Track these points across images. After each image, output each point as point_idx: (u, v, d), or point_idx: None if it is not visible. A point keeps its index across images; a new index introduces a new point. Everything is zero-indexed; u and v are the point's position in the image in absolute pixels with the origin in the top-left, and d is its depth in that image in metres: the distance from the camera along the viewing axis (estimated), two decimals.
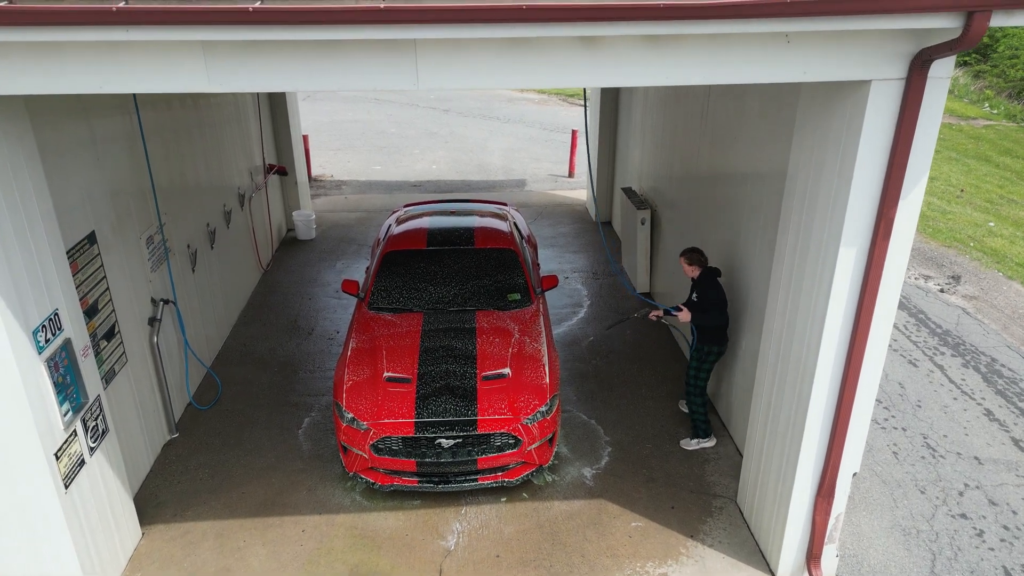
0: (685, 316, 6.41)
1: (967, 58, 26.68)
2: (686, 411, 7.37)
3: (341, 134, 19.85)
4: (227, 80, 3.66)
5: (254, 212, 10.32)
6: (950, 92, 25.80)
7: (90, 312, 5.36)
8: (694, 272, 6.55)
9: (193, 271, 7.65)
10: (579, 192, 14.86)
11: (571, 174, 16.05)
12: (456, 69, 3.71)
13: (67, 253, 4.95)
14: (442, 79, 3.73)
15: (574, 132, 16.29)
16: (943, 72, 3.95)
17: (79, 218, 5.30)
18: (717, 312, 6.36)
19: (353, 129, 20.47)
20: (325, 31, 3.42)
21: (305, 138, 13.93)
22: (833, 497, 5.08)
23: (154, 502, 6.09)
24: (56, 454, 4.58)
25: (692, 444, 6.91)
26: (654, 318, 6.96)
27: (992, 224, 13.25)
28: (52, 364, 4.54)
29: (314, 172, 15.99)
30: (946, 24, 3.55)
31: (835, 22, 3.54)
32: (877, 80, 3.96)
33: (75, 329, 4.83)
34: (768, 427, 5.44)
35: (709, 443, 6.91)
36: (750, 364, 6.41)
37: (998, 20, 3.50)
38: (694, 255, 6.51)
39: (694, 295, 6.57)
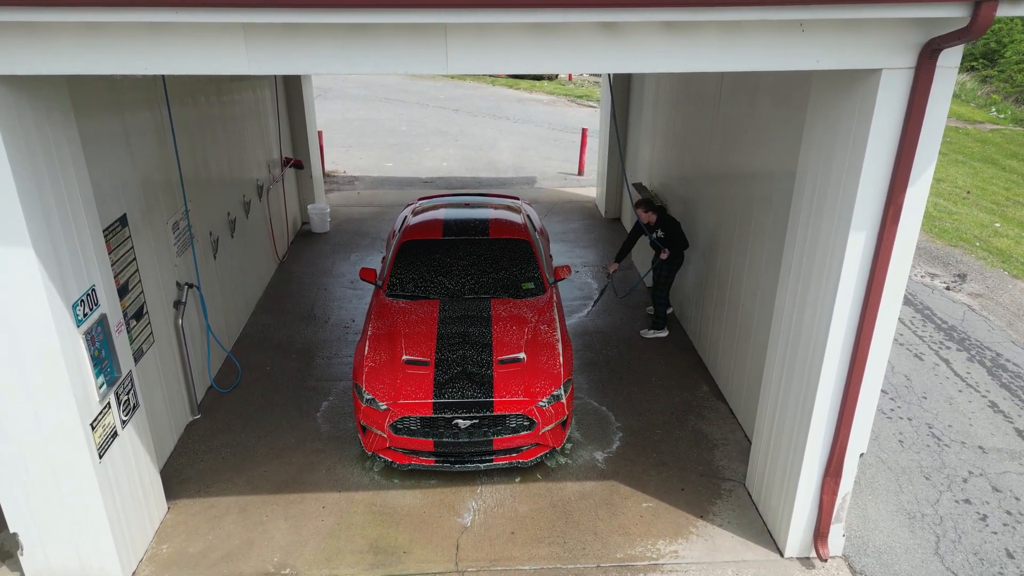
0: (666, 254, 8.27)
1: (974, 63, 26.82)
2: (653, 336, 9.03)
3: (353, 132, 20.06)
4: (266, 63, 3.83)
5: (271, 204, 10.52)
6: (957, 97, 25.91)
7: (121, 292, 5.54)
8: (651, 218, 8.38)
9: (215, 258, 7.84)
10: (589, 189, 15.03)
11: (581, 172, 16.22)
12: (484, 53, 3.89)
13: (102, 232, 5.13)
14: (471, 63, 3.90)
15: (584, 131, 16.47)
16: (951, 62, 4.10)
17: (112, 201, 5.50)
18: (683, 238, 8.27)
19: (364, 127, 20.68)
20: (360, 15, 3.59)
21: (320, 134, 14.13)
22: (841, 477, 5.23)
23: (178, 478, 6.27)
24: (92, 424, 4.76)
25: (650, 334, 8.92)
26: (612, 270, 8.96)
27: (998, 225, 13.37)
28: (89, 337, 4.72)
29: (327, 168, 16.19)
30: (954, 13, 3.71)
31: (848, 10, 3.70)
32: (887, 69, 4.12)
33: (110, 305, 5.02)
34: (778, 409, 5.59)
35: (663, 333, 8.93)
36: (759, 354, 6.57)
37: (1004, 10, 3.66)
38: (649, 204, 8.44)
39: (658, 233, 8.34)
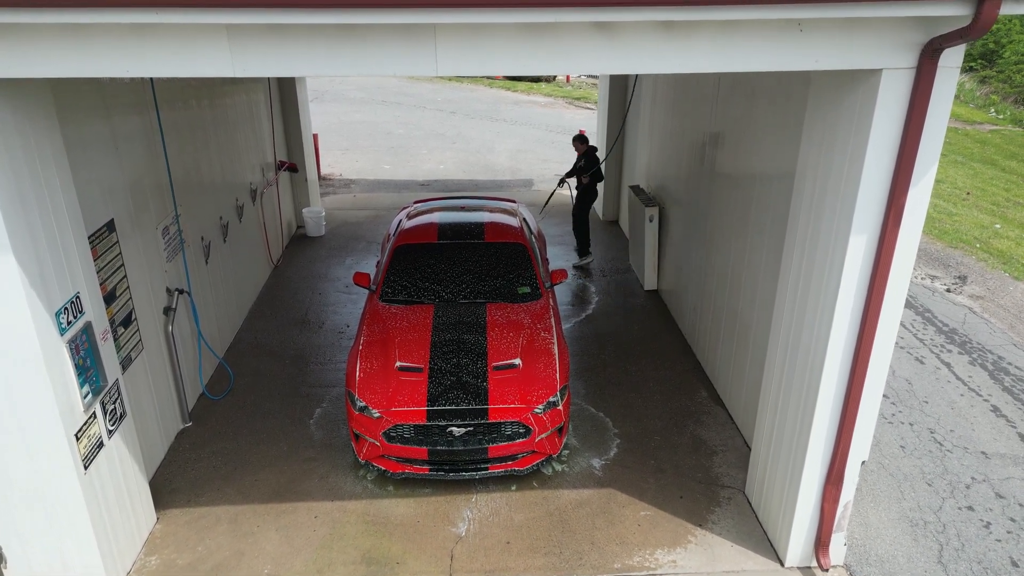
0: (585, 179, 10.46)
1: (973, 63, 26.75)
2: (582, 263, 10.91)
3: (349, 134, 19.96)
4: (251, 65, 3.74)
5: (265, 208, 10.42)
6: (955, 97, 25.82)
7: (108, 298, 5.43)
8: (582, 149, 10.52)
9: (207, 263, 7.74)
10: None
11: None
12: (474, 54, 3.79)
13: (88, 239, 5.03)
14: (461, 64, 3.81)
15: (582, 132, 16.35)
16: (953, 62, 4.01)
17: (99, 206, 5.40)
18: (598, 171, 10.57)
19: (361, 130, 20.59)
20: (347, 15, 3.50)
21: (315, 136, 14.04)
22: (842, 485, 5.13)
23: (168, 488, 6.17)
24: (76, 435, 4.65)
25: (582, 261, 10.86)
26: (561, 185, 11.41)
27: (998, 226, 13.28)
28: (73, 346, 4.62)
29: (323, 171, 16.08)
30: (956, 12, 3.62)
31: (846, 9, 3.61)
32: (888, 69, 4.02)
33: (95, 313, 4.92)
34: (777, 415, 5.49)
35: (589, 258, 10.93)
36: (758, 359, 6.47)
37: (1008, 8, 3.57)
38: (584, 137, 10.66)
39: (581, 162, 10.51)
